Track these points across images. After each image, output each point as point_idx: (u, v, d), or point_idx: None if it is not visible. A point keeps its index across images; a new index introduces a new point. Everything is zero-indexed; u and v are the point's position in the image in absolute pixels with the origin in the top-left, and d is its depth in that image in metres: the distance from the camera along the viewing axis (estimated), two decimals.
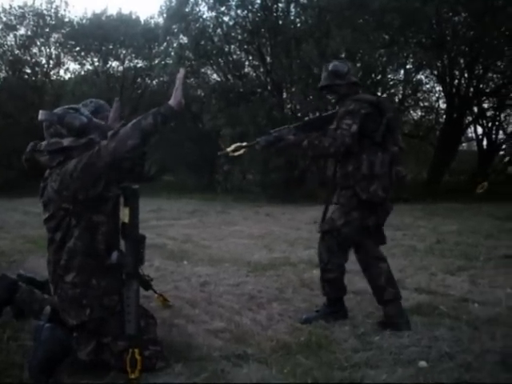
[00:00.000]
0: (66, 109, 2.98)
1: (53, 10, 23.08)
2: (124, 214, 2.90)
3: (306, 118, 3.79)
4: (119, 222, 2.97)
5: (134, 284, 2.85)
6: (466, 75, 18.41)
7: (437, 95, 20.65)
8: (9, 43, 22.82)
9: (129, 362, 2.66)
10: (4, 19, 22.43)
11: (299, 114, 16.44)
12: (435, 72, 18.52)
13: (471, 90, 18.52)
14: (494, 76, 19.10)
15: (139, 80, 24.03)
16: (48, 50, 23.70)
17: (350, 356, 2.98)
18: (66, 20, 23.50)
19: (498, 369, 2.75)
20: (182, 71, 2.91)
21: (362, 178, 3.46)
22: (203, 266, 5.38)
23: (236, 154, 3.63)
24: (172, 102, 2.78)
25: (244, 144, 3.63)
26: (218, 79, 18.56)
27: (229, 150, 3.62)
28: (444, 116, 19.54)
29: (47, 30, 23.22)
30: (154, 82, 24.06)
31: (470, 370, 2.74)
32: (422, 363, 2.85)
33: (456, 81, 18.54)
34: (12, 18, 22.49)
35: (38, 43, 23.34)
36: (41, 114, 2.93)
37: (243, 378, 2.71)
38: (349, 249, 3.67)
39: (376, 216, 3.60)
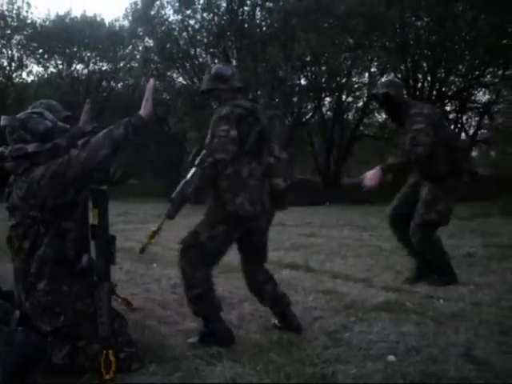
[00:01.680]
0: (29, 113, 2.90)
1: (14, 11, 22.82)
2: (93, 216, 2.88)
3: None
4: (89, 226, 2.95)
5: (105, 286, 2.84)
6: (428, 78, 18.83)
7: None
8: None
9: (103, 364, 2.66)
10: None
11: None
12: (399, 75, 18.85)
13: (434, 93, 18.93)
14: (456, 79, 19.57)
15: (104, 83, 23.89)
16: (10, 51, 23.38)
17: (320, 353, 3.04)
18: (29, 21, 23.28)
19: (461, 361, 2.84)
20: (151, 81, 2.91)
21: (227, 189, 3.17)
22: (173, 269, 5.35)
23: (153, 241, 3.26)
24: (142, 112, 2.79)
25: (157, 228, 3.19)
26: (184, 82, 18.59)
27: (148, 242, 3.21)
28: None
29: (8, 31, 22.92)
30: (120, 85, 23.97)
31: (436, 363, 2.82)
32: (391, 357, 2.92)
33: (419, 84, 18.94)
34: None
35: (0, 45, 22.99)
36: (3, 120, 2.85)
37: (217, 375, 2.74)
38: (217, 262, 3.36)
39: (243, 230, 3.29)
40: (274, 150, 3.26)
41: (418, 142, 4.30)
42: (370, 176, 4.37)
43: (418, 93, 18.94)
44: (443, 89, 19.23)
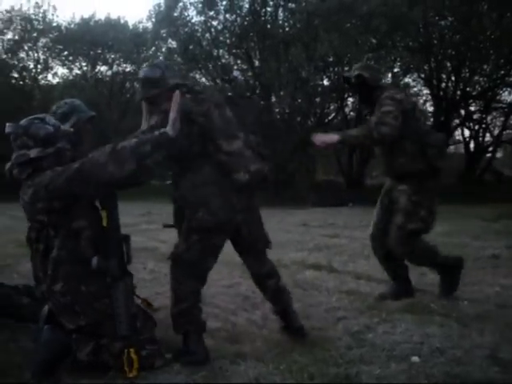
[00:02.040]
0: (31, 119, 2.92)
1: (40, 15, 23.17)
2: (103, 217, 2.88)
3: None
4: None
5: (120, 286, 2.85)
6: (452, 78, 18.66)
7: (424, 98, 20.89)
8: None
9: (126, 362, 2.70)
10: None
11: (287, 117, 16.57)
12: (422, 75, 18.74)
13: (458, 93, 18.78)
14: (481, 79, 19.36)
15: (128, 84, 24.07)
16: (36, 54, 23.72)
17: (344, 353, 3.05)
18: (54, 24, 23.58)
19: (486, 363, 2.83)
20: (177, 94, 2.82)
21: (186, 203, 3.05)
22: None
23: None
24: (169, 129, 2.76)
25: None
26: (207, 83, 18.64)
27: None
28: (431, 119, 19.74)
29: (35, 34, 23.24)
30: None
31: (461, 365, 2.82)
32: (415, 358, 2.93)
33: (443, 84, 18.79)
34: None
35: (26, 48, 23.34)
36: (7, 127, 2.89)
37: (241, 375, 2.77)
38: (204, 274, 3.12)
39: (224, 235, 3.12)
40: (221, 146, 2.98)
41: (383, 122, 3.79)
42: (325, 137, 3.92)
43: (441, 93, 18.80)
44: (467, 89, 19.06)
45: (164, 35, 18.45)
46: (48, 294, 2.86)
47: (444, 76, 18.76)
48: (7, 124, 2.92)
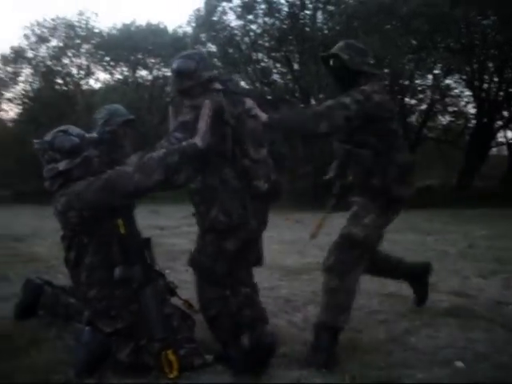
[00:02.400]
0: (55, 133, 2.99)
1: (83, 22, 23.67)
2: (119, 226, 2.88)
3: None
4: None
5: (147, 291, 2.86)
6: (495, 79, 18.27)
7: (466, 100, 20.51)
8: (41, 55, 23.39)
9: (164, 364, 2.72)
10: (38, 32, 23.04)
11: None
12: (464, 77, 18.41)
13: (501, 94, 18.36)
14: None
15: (168, 88, 24.30)
16: (79, 60, 24.21)
17: (385, 357, 3.03)
18: (96, 31, 24.04)
19: None
20: (207, 104, 2.80)
21: (200, 202, 3.01)
22: None
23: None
24: (198, 140, 2.77)
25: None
26: (247, 87, 18.70)
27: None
28: (473, 121, 19.40)
29: (78, 41, 23.76)
30: None
31: (506, 370, 2.78)
32: (459, 364, 2.89)
33: (485, 85, 18.41)
34: (45, 30, 23.11)
35: (70, 54, 23.86)
36: (35, 144, 3.00)
37: (283, 376, 2.78)
38: (220, 279, 3.05)
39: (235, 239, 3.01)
40: (248, 152, 2.95)
41: (328, 115, 2.92)
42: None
43: (484, 94, 18.45)
44: (511, 90, 18.65)
45: (203, 39, 18.61)
46: (84, 300, 2.94)
47: (486, 77, 18.39)
48: (34, 141, 3.02)
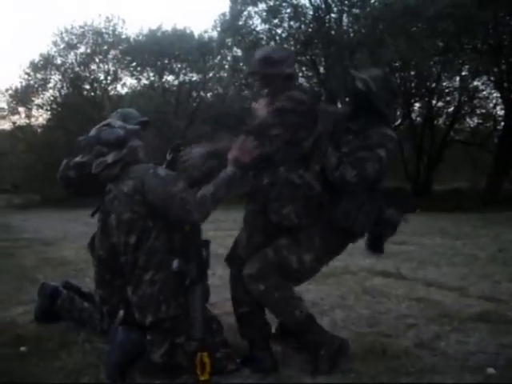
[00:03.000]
0: (99, 127, 3.08)
1: (111, 28, 23.92)
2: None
3: None
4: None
5: (197, 289, 2.88)
6: None
7: (494, 102, 20.23)
8: (70, 61, 23.72)
9: (198, 365, 2.71)
10: (66, 38, 23.38)
11: None
12: (492, 78, 18.15)
13: None
14: None
15: (194, 93, 24.47)
16: (106, 66, 24.48)
17: (415, 362, 2.99)
18: (123, 37, 24.28)
19: None
20: (242, 139, 2.85)
21: (274, 199, 2.93)
22: None
23: None
24: (233, 169, 2.86)
25: None
26: None
27: None
28: (502, 123, 19.11)
29: (105, 47, 24.03)
30: (209, 95, 24.44)
31: None
32: (490, 370, 2.83)
33: None
34: (73, 37, 23.45)
35: (97, 60, 24.16)
36: (81, 141, 3.12)
37: (310, 382, 2.76)
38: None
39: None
40: (324, 159, 2.88)
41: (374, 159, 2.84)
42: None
43: None
44: None
45: (229, 44, 18.69)
46: (135, 286, 2.90)
47: None
48: (80, 138, 3.13)
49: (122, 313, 3.00)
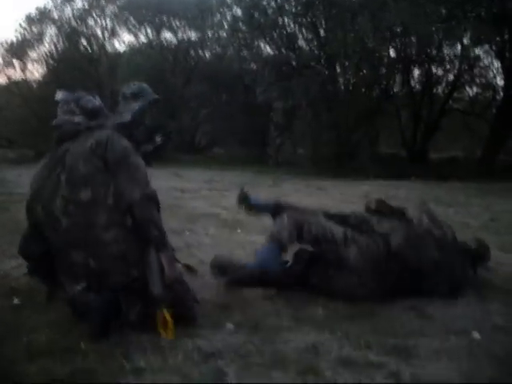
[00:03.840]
0: (83, 93, 3.11)
1: None
2: None
3: None
4: None
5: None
6: None
7: (494, 71, 20.03)
8: (66, 15, 23.29)
9: (160, 323, 2.75)
10: None
11: (352, 88, 16.33)
12: (494, 47, 17.96)
13: None
14: None
15: (192, 52, 24.11)
16: (103, 21, 24.06)
17: (402, 324, 3.04)
18: None
19: None
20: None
21: None
22: (257, 235, 5.42)
23: None
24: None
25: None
26: (271, 52, 18.48)
27: None
28: (501, 93, 19.00)
29: (103, 1, 23.57)
30: (207, 54, 24.11)
31: None
32: (476, 334, 2.89)
33: None
34: None
35: (94, 15, 23.72)
36: (59, 94, 3.09)
37: (298, 340, 2.80)
38: None
39: None
40: None
41: None
42: None
43: None
44: None
45: (229, 2, 18.40)
46: (97, 247, 2.81)
47: None
48: (58, 91, 3.12)
49: (81, 287, 2.90)
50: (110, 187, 2.83)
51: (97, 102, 3.11)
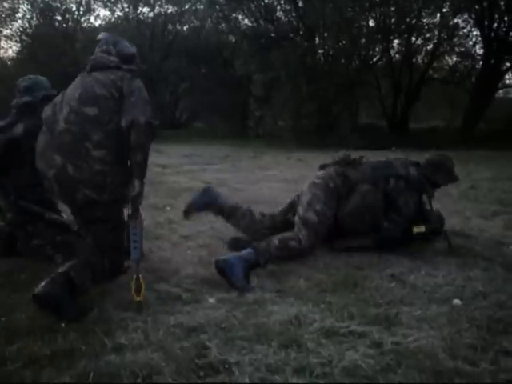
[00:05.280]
0: (122, 38, 3.34)
1: None
2: None
3: None
4: None
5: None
6: (505, 18, 17.78)
7: (474, 40, 20.03)
8: None
9: (134, 286, 2.81)
10: None
11: (331, 59, 16.24)
12: (473, 16, 17.92)
13: (511, 34, 17.91)
14: None
15: (170, 26, 23.76)
16: None
17: (384, 294, 3.05)
18: None
19: None
20: None
21: None
22: None
23: None
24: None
25: None
26: (250, 24, 18.28)
27: None
28: (481, 62, 19.02)
29: None
30: (185, 28, 23.79)
31: (504, 309, 2.79)
32: (456, 301, 2.91)
33: (495, 25, 17.92)
34: None
35: None
36: (101, 34, 3.32)
37: (280, 312, 2.80)
38: None
39: None
40: None
41: None
42: None
43: (493, 34, 18.03)
44: None
45: None
46: (82, 158, 2.86)
47: (496, 16, 17.90)
48: (102, 33, 3.35)
49: None
50: (115, 116, 2.90)
51: (132, 49, 3.28)
